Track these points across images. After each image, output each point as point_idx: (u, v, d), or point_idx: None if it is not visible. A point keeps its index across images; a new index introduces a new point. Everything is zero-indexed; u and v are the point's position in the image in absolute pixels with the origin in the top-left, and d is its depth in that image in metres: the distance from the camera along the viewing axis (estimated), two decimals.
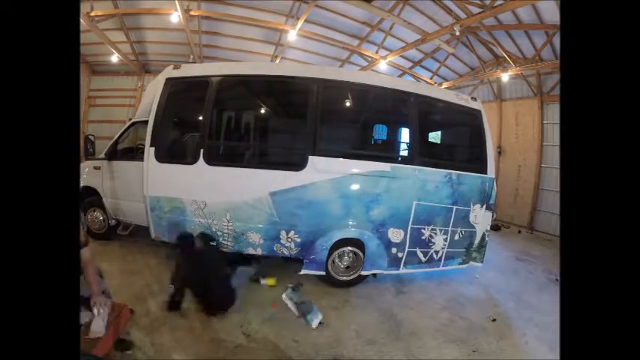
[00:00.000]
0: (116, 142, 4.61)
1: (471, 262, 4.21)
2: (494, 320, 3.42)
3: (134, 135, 5.25)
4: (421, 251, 3.91)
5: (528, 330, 3.28)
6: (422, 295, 3.94)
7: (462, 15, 6.36)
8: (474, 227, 4.06)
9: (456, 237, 4.01)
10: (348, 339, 2.95)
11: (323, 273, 3.75)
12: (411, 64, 9.77)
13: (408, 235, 3.81)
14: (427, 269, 4.06)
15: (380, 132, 5.54)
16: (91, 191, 4.65)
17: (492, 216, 4.17)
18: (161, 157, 3.74)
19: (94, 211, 4.71)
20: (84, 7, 6.29)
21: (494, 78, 8.73)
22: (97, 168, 4.62)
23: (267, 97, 4.31)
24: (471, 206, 3.99)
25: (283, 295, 3.35)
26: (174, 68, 3.94)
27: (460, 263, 4.18)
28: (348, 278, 3.90)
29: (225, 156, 4.01)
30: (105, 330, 1.90)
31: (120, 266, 3.95)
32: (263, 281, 3.76)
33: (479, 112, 4.14)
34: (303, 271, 3.69)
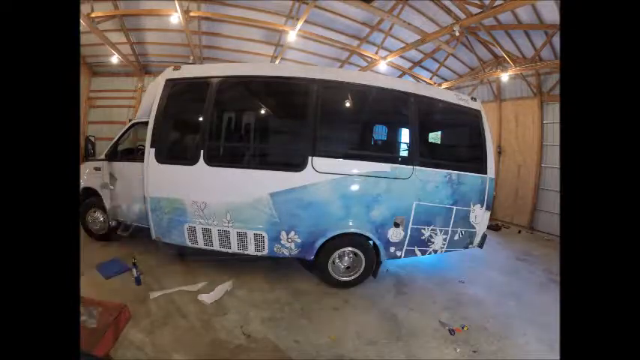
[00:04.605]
0: (116, 143, 4.61)
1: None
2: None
3: (134, 136, 5.25)
4: (419, 249, 3.93)
5: (528, 330, 3.28)
6: (422, 295, 3.94)
7: (462, 15, 6.36)
8: (474, 227, 4.06)
9: (456, 237, 4.01)
10: (349, 339, 2.94)
11: None
12: (410, 64, 9.77)
13: (408, 236, 3.82)
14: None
15: (380, 132, 5.53)
16: (92, 192, 4.65)
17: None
18: (161, 158, 3.75)
19: (95, 212, 4.71)
20: (84, 9, 6.30)
21: (493, 78, 8.73)
22: (97, 169, 4.62)
23: (267, 97, 4.30)
24: (471, 206, 3.99)
25: None
26: (174, 69, 3.94)
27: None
28: (349, 279, 3.91)
29: (225, 157, 4.00)
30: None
31: None
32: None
33: (478, 112, 4.14)
34: None
